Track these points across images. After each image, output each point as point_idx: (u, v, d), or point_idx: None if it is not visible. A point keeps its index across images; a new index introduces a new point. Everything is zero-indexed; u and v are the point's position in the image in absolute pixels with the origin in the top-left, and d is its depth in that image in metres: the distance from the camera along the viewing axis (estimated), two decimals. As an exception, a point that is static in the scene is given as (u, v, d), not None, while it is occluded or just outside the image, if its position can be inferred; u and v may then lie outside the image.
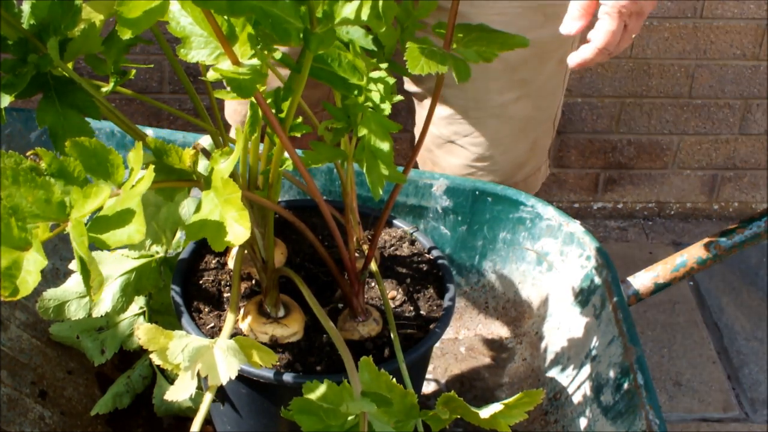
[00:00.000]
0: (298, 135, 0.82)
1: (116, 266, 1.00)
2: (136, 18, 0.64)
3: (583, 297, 1.09)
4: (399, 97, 0.82)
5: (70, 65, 0.77)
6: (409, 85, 1.34)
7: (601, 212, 2.32)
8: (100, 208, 0.63)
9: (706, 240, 1.09)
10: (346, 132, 0.82)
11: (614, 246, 2.21)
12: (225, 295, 0.94)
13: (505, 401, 0.76)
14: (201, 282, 0.95)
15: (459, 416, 0.77)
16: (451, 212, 1.20)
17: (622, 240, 2.25)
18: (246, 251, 0.89)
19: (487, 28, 0.80)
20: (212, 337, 0.82)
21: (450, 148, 1.33)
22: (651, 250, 2.21)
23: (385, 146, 0.77)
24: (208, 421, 0.99)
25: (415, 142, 1.41)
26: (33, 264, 0.60)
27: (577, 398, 1.04)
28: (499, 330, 1.22)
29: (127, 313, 1.08)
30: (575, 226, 1.13)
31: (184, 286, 0.94)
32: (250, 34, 0.68)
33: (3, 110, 0.75)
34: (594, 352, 1.04)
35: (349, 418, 0.73)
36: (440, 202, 1.19)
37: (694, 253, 1.09)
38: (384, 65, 0.80)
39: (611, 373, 0.99)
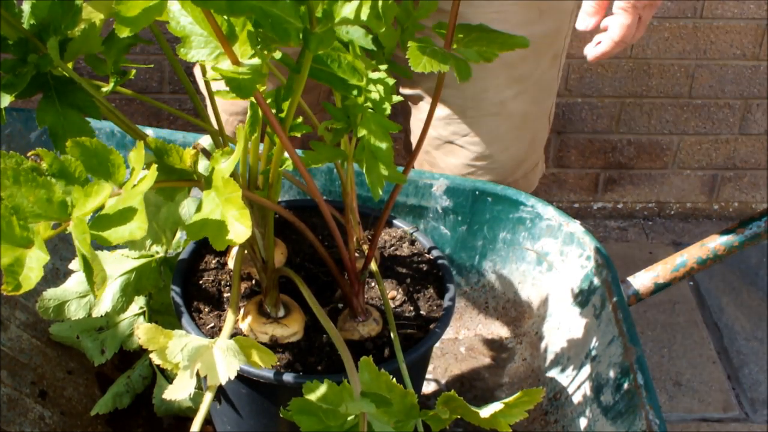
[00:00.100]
0: (298, 135, 0.82)
1: (116, 266, 1.00)
2: (134, 16, 0.64)
3: (583, 297, 1.09)
4: (398, 98, 0.82)
5: (70, 65, 0.77)
6: (404, 89, 1.34)
7: (601, 212, 2.32)
8: (101, 208, 0.63)
9: (706, 240, 1.09)
10: (345, 132, 0.82)
11: (614, 246, 2.21)
12: (225, 295, 0.94)
13: (505, 400, 0.76)
14: (201, 282, 0.95)
15: (459, 416, 0.77)
16: (451, 212, 1.20)
17: (622, 240, 2.25)
18: (246, 251, 0.89)
19: (487, 28, 0.80)
20: (212, 337, 0.82)
21: (449, 149, 1.33)
22: (651, 250, 2.21)
23: (384, 146, 0.77)
24: (208, 421, 0.99)
25: (412, 143, 1.42)
26: (35, 261, 0.60)
27: (577, 398, 1.04)
28: (499, 330, 1.22)
29: (127, 313, 1.08)
30: (575, 226, 1.13)
31: (184, 286, 0.94)
32: (249, 33, 0.67)
33: (3, 110, 0.75)
34: (594, 352, 1.04)
35: (349, 418, 0.73)
36: (440, 202, 1.19)
37: (694, 253, 1.09)
38: (384, 66, 0.80)
39: (611, 373, 0.99)
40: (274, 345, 0.87)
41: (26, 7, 0.75)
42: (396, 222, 1.05)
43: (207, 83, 0.87)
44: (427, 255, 1.01)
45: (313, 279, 0.96)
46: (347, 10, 0.66)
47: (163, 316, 1.08)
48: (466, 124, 1.31)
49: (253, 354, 0.79)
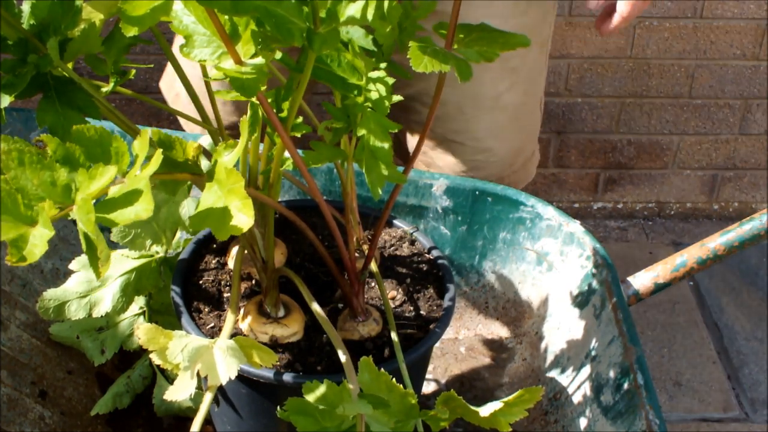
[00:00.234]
0: (298, 135, 0.82)
1: (116, 266, 1.00)
2: (140, 16, 0.64)
3: (583, 297, 1.09)
4: (398, 97, 0.82)
5: (70, 65, 0.77)
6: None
7: (601, 212, 2.32)
8: (105, 194, 0.63)
9: (706, 240, 1.09)
10: (345, 132, 0.82)
11: (614, 246, 2.21)
12: (225, 295, 0.94)
13: (505, 399, 0.76)
14: (201, 282, 0.95)
15: (459, 416, 0.77)
16: (451, 212, 1.20)
17: (622, 240, 2.25)
18: (246, 251, 0.89)
19: (488, 27, 0.80)
20: (212, 337, 0.82)
21: (447, 146, 1.33)
22: (651, 250, 2.21)
23: (384, 146, 0.77)
24: (208, 421, 0.99)
25: (407, 145, 1.42)
26: (39, 238, 0.60)
27: (577, 398, 1.04)
28: (499, 330, 1.22)
29: (127, 313, 1.08)
30: (575, 226, 1.13)
31: (184, 286, 0.94)
32: (253, 32, 0.67)
33: (3, 110, 0.75)
34: (594, 352, 1.04)
35: (347, 419, 0.73)
36: (440, 202, 1.19)
37: (694, 253, 1.09)
38: (383, 64, 0.80)
39: (611, 373, 0.99)
40: (274, 345, 0.87)
41: (26, 7, 0.75)
42: (396, 222, 1.05)
43: (207, 83, 0.87)
44: (427, 255, 1.01)
45: (313, 279, 0.96)
46: (351, 11, 0.66)
47: (163, 316, 1.08)
48: (463, 121, 1.31)
49: (253, 354, 0.79)
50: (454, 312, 0.95)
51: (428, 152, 1.35)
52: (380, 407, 0.73)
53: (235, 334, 0.85)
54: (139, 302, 1.08)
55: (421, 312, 0.94)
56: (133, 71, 0.83)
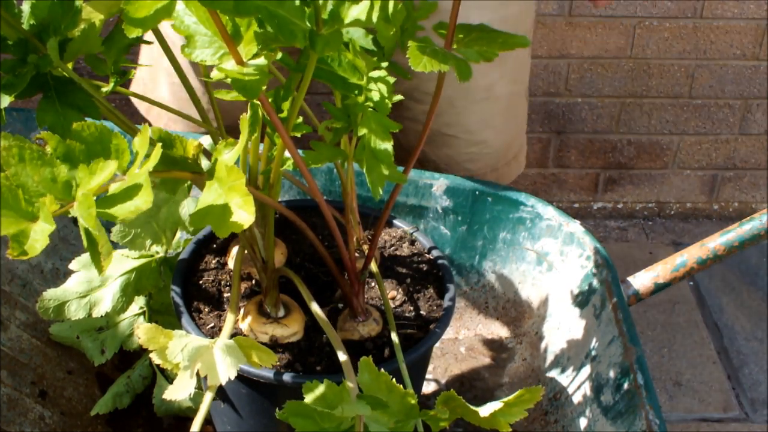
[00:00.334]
0: (298, 135, 0.82)
1: (116, 266, 1.00)
2: (143, 17, 0.64)
3: (583, 297, 1.09)
4: (399, 97, 0.82)
5: (70, 65, 0.77)
6: None
7: (601, 212, 2.32)
8: (105, 191, 0.63)
9: (706, 240, 1.09)
10: (345, 132, 0.82)
11: (614, 246, 2.21)
12: (225, 295, 0.94)
13: (505, 399, 0.76)
14: (201, 282, 0.95)
15: (459, 416, 0.77)
16: (451, 212, 1.20)
17: (622, 240, 2.25)
18: (246, 251, 0.89)
19: (487, 28, 0.80)
20: (212, 337, 0.82)
21: (441, 140, 1.34)
22: (651, 250, 2.21)
23: (385, 146, 0.77)
24: (208, 421, 0.99)
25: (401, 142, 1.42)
26: (40, 232, 0.60)
27: (577, 398, 1.04)
28: (499, 330, 1.22)
29: (127, 313, 1.08)
30: (575, 226, 1.13)
31: (184, 286, 0.94)
32: (256, 32, 0.67)
33: (3, 110, 0.75)
34: (594, 352, 1.04)
35: (346, 420, 0.73)
36: (440, 202, 1.19)
37: (694, 253, 1.09)
38: (385, 64, 0.80)
39: (611, 373, 0.99)
40: (274, 345, 0.87)
41: (26, 8, 0.75)
42: (396, 222, 1.05)
43: (207, 84, 0.87)
44: (427, 255, 1.01)
45: (313, 279, 0.96)
46: (355, 12, 0.66)
47: (163, 316, 1.08)
48: (455, 114, 1.31)
49: (253, 354, 0.79)
50: (454, 312, 0.95)
51: (422, 148, 1.36)
52: (379, 408, 0.73)
53: (235, 334, 0.85)
54: (139, 302, 1.08)
55: (421, 312, 0.94)
56: (134, 71, 0.83)
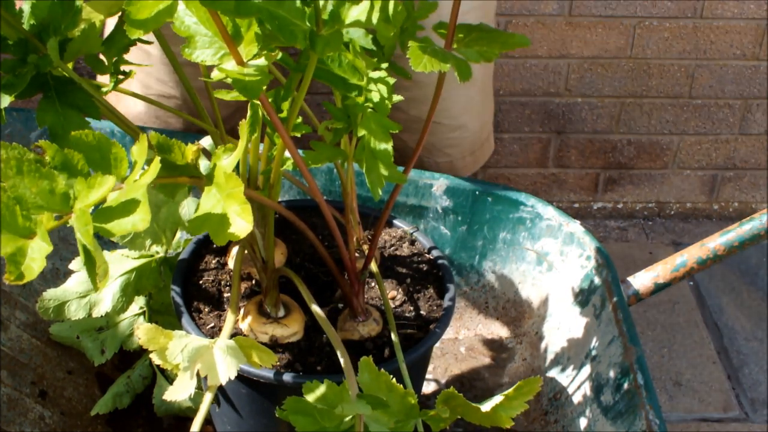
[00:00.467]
0: (298, 135, 0.82)
1: (116, 266, 1.00)
2: (145, 18, 0.64)
3: (583, 297, 1.09)
4: (399, 97, 0.82)
5: (70, 65, 0.77)
6: None
7: (601, 212, 2.32)
8: (103, 201, 0.63)
9: (706, 240, 1.09)
10: (345, 132, 0.82)
11: (614, 246, 2.21)
12: (225, 295, 0.94)
13: (505, 392, 0.76)
14: (201, 282, 0.95)
15: (459, 415, 0.77)
16: (451, 212, 1.20)
17: (622, 240, 2.25)
18: (246, 251, 0.89)
19: (487, 28, 0.80)
20: (212, 337, 0.82)
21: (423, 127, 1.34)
22: (651, 250, 2.21)
23: (384, 146, 0.77)
24: (208, 421, 0.99)
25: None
26: (38, 251, 0.60)
27: (577, 398, 1.04)
28: (499, 330, 1.22)
29: (127, 313, 1.08)
30: (575, 226, 1.13)
31: (184, 286, 0.94)
32: (256, 33, 0.67)
33: (3, 110, 0.75)
34: (594, 352, 1.04)
35: (346, 419, 0.73)
36: (440, 202, 1.19)
37: (694, 253, 1.09)
38: (385, 65, 0.80)
39: (611, 373, 0.99)
40: (274, 345, 0.87)
41: (26, 8, 0.75)
42: (396, 222, 1.05)
43: (207, 84, 0.87)
44: (427, 255, 1.01)
45: (313, 279, 0.96)
46: (356, 13, 0.66)
47: (163, 316, 1.08)
48: (441, 100, 1.32)
49: (253, 354, 0.79)
50: (454, 312, 0.95)
51: (402, 135, 1.35)
52: (379, 407, 0.73)
53: (235, 334, 0.85)
54: (139, 302, 1.08)
55: (421, 312, 0.94)
56: (134, 71, 0.83)
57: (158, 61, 1.28)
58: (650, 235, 2.27)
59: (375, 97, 0.77)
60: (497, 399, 0.76)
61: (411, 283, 0.97)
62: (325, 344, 0.88)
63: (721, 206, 2.33)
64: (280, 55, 0.76)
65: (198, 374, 0.76)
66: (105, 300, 0.99)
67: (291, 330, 0.88)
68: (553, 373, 1.10)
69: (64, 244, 1.19)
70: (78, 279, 1.00)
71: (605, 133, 2.19)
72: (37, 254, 0.60)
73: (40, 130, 1.20)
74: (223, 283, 0.95)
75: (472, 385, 1.17)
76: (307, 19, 0.65)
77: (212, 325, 0.90)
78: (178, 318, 0.90)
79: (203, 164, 0.76)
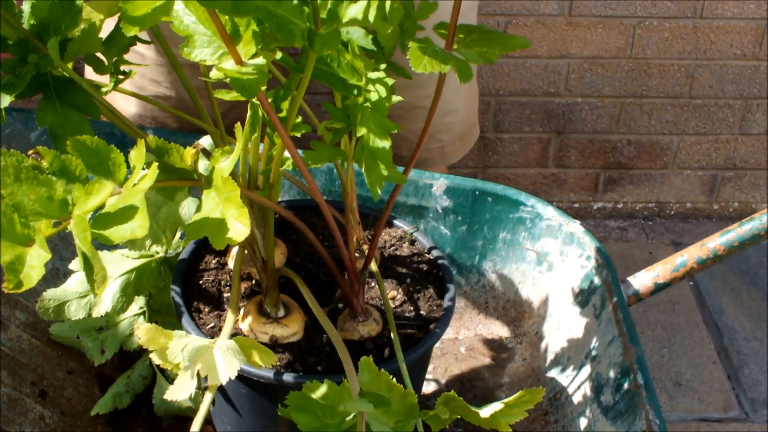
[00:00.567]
0: (298, 135, 0.82)
1: (116, 266, 1.00)
2: (141, 16, 0.64)
3: (583, 297, 1.09)
4: (398, 98, 0.82)
5: (70, 65, 0.77)
6: None
7: (601, 212, 2.32)
8: (102, 206, 0.63)
9: (706, 240, 1.09)
10: (345, 132, 0.82)
11: (614, 246, 2.21)
12: (225, 295, 0.94)
13: (505, 400, 0.76)
14: (201, 282, 0.95)
15: (459, 416, 0.77)
16: (451, 212, 1.20)
17: (622, 240, 2.25)
18: (246, 251, 0.89)
19: (487, 29, 0.80)
20: (212, 337, 0.82)
21: (415, 113, 1.34)
22: (651, 250, 2.21)
23: (384, 146, 0.77)
24: (208, 421, 0.99)
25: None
26: (36, 259, 0.60)
27: (577, 398, 1.04)
28: (499, 330, 1.22)
29: (127, 313, 1.08)
30: (575, 226, 1.13)
31: (184, 286, 0.94)
32: (254, 32, 0.67)
33: (3, 110, 0.75)
34: (594, 352, 1.04)
35: (347, 417, 0.73)
36: (440, 202, 1.19)
37: (694, 253, 1.09)
38: (383, 65, 0.80)
39: (611, 373, 0.99)
40: (274, 345, 0.87)
41: (26, 7, 0.75)
42: (396, 222, 1.05)
43: (207, 84, 0.87)
44: (427, 255, 1.01)
45: (313, 279, 0.96)
46: (353, 11, 0.66)
47: (163, 316, 1.08)
48: (433, 85, 1.32)
49: (253, 354, 0.79)
50: (454, 312, 0.95)
51: (396, 122, 1.37)
52: (381, 406, 0.73)
53: (235, 334, 0.85)
54: (139, 302, 1.08)
55: (421, 312, 0.94)
56: (133, 71, 0.83)
57: (153, 63, 1.28)
58: (650, 235, 2.27)
59: (374, 97, 0.77)
60: (497, 406, 0.76)
61: (411, 283, 0.97)
62: (325, 344, 0.88)
63: (721, 206, 2.33)
64: (279, 54, 0.76)
65: (198, 374, 0.76)
66: (105, 300, 0.99)
67: (291, 330, 0.88)
68: (553, 373, 1.10)
69: (64, 243, 1.19)
70: (78, 279, 1.00)
71: (605, 133, 2.19)
72: (35, 262, 0.60)
73: (40, 130, 1.20)
74: (223, 283, 0.95)
75: (472, 385, 1.17)
76: (306, 18, 0.66)
77: (212, 325, 0.91)
78: (178, 318, 0.90)
79: (203, 164, 0.76)
